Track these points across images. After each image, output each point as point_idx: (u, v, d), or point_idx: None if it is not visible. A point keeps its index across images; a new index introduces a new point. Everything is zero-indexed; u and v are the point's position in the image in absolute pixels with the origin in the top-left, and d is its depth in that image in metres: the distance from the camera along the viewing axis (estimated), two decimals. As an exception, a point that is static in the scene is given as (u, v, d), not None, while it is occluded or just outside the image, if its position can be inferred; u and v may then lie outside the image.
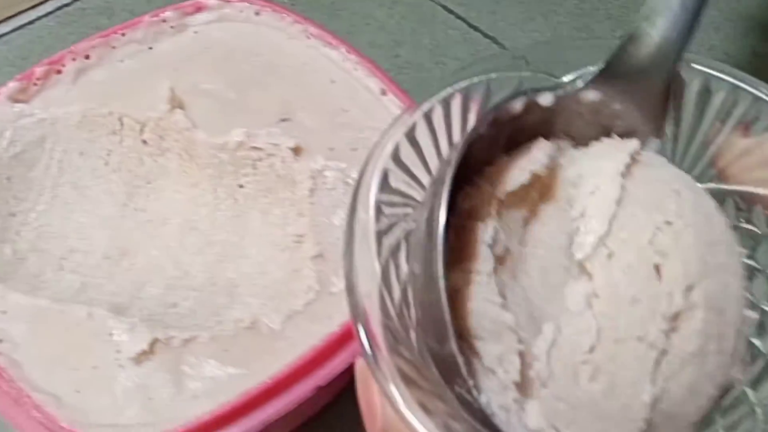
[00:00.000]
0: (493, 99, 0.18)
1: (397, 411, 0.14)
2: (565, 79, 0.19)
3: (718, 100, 0.17)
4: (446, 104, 0.18)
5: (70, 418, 0.21)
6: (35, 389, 0.22)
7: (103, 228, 0.28)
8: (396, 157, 0.17)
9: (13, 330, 0.23)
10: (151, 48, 0.31)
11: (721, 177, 0.18)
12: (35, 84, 0.29)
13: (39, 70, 0.29)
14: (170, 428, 0.21)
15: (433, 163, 0.18)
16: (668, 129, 0.18)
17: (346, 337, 0.23)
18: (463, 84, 0.18)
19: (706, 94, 0.17)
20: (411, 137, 0.18)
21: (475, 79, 0.19)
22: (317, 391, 0.22)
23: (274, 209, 0.28)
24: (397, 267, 0.17)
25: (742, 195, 0.18)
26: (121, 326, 0.23)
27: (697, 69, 0.17)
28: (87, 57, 0.30)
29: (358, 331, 0.15)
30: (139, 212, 0.28)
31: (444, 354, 0.16)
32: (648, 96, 0.18)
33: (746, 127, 0.17)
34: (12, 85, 0.28)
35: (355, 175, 0.27)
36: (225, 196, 0.28)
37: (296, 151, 0.28)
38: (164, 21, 0.31)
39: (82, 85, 0.30)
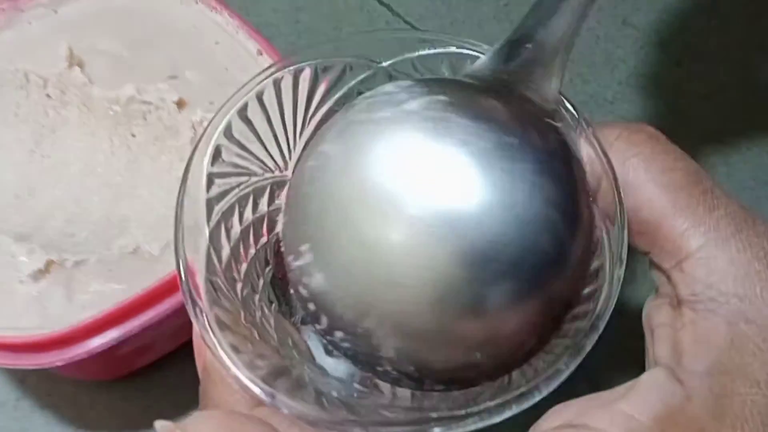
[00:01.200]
0: (320, 80, 0.22)
1: (212, 353, 0.18)
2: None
3: None
4: (277, 84, 0.22)
5: (-24, 322, 0.26)
6: (-53, 301, 0.26)
7: (14, 171, 0.32)
8: (228, 134, 0.21)
9: (-71, 253, 0.28)
10: (55, 11, 0.35)
11: None
12: (-52, 43, 0.32)
13: (-49, 30, 0.32)
14: (59, 330, 0.26)
15: (267, 137, 0.22)
16: None
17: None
18: (291, 65, 0.22)
19: None
20: (243, 115, 0.21)
21: (304, 63, 0.22)
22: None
23: (162, 156, 0.32)
24: (228, 229, 0.21)
25: None
26: (22, 250, 0.28)
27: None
28: (-4, 19, 0.34)
29: (181, 287, 0.19)
30: (45, 158, 0.33)
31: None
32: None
33: None
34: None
35: (230, 126, 0.32)
36: (119, 144, 0.33)
37: (180, 104, 0.32)
38: (64, -12, 0.35)
39: (-8, 44, 0.33)
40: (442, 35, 0.22)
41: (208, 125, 0.21)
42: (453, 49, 0.22)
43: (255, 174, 0.22)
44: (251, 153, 0.22)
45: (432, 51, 0.22)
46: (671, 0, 0.48)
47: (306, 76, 0.22)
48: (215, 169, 0.21)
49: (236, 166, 0.21)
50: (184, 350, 0.33)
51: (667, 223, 0.19)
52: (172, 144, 0.32)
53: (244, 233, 0.21)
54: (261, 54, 0.33)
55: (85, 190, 0.32)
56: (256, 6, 0.47)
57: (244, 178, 0.22)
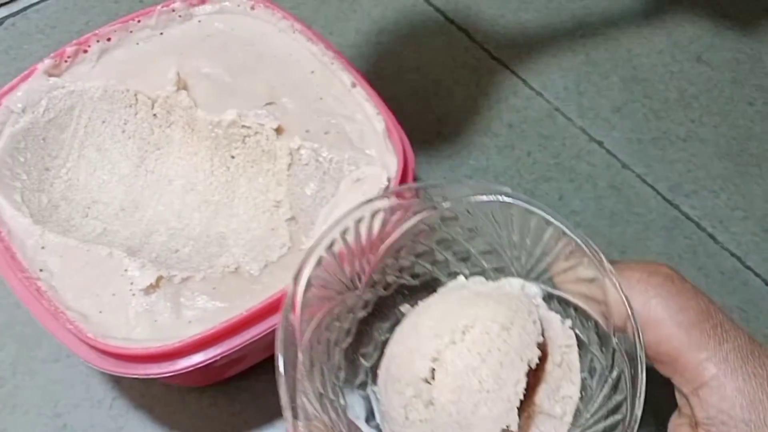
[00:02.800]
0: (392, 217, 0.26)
1: None
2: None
3: (548, 235, 0.25)
4: (357, 222, 0.25)
5: (94, 332, 0.28)
6: (68, 308, 0.29)
7: (120, 184, 0.34)
8: (329, 250, 0.25)
9: (50, 262, 0.30)
10: (161, 33, 0.37)
11: (553, 282, 0.26)
12: (66, 61, 0.35)
13: (69, 50, 0.35)
14: (170, 344, 0.28)
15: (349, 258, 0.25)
16: (515, 237, 0.27)
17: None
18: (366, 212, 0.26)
19: (542, 229, 0.25)
20: (343, 237, 0.25)
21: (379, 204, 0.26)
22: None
23: (259, 178, 0.34)
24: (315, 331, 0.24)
25: (564, 298, 0.26)
26: (134, 264, 0.30)
27: (536, 212, 0.25)
28: (109, 39, 0.36)
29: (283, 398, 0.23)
30: (149, 173, 0.35)
31: None
32: None
33: (569, 252, 0.25)
34: (47, 61, 0.34)
35: (325, 154, 0.33)
36: (219, 164, 0.35)
37: (278, 130, 0.34)
38: (173, 10, 0.37)
39: (104, 63, 0.35)
40: (491, 185, 0.26)
41: (320, 237, 0.25)
42: (503, 198, 0.26)
43: (336, 290, 0.25)
44: (339, 270, 0.25)
45: (485, 198, 0.26)
46: (745, 39, 0.48)
47: (380, 215, 0.26)
48: (313, 277, 0.24)
49: (324, 279, 0.25)
50: (271, 361, 0.35)
51: (684, 355, 0.23)
52: (269, 168, 0.34)
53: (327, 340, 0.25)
54: (355, 86, 0.35)
55: (186, 207, 0.34)
56: (338, 26, 0.49)
57: (330, 292, 0.25)
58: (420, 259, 0.28)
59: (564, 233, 0.25)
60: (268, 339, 0.29)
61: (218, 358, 0.28)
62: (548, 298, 0.26)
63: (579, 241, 0.25)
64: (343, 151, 0.33)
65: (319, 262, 0.24)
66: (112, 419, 0.35)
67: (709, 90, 0.46)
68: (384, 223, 0.26)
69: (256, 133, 0.34)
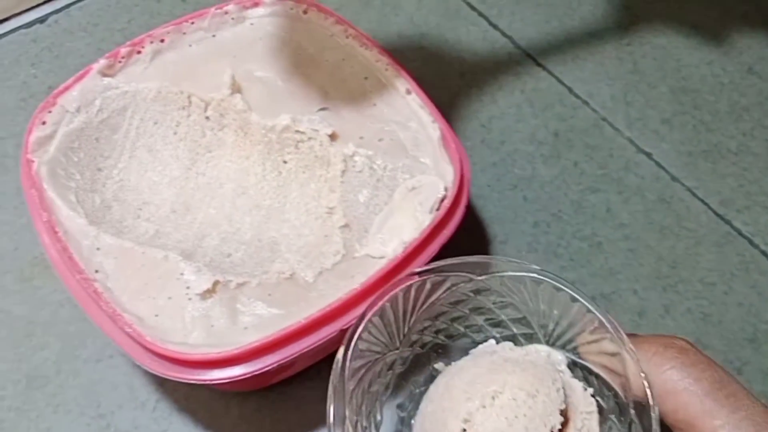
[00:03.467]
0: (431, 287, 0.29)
1: None
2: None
3: (574, 310, 0.28)
4: (407, 290, 0.28)
5: (151, 335, 0.28)
6: (124, 311, 0.28)
7: (171, 186, 0.34)
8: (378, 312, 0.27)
9: (106, 264, 0.30)
10: (214, 36, 0.36)
11: (578, 352, 0.28)
12: (120, 62, 0.35)
13: (123, 50, 0.35)
14: (227, 350, 0.27)
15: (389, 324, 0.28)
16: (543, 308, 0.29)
17: (365, 292, 0.29)
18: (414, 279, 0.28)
19: (569, 305, 0.28)
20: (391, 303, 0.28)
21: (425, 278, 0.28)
22: (340, 332, 0.29)
23: (311, 183, 0.34)
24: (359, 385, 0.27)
25: (587, 367, 0.28)
26: (190, 268, 0.29)
27: (564, 290, 0.28)
28: (162, 41, 0.35)
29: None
30: (200, 176, 0.35)
31: None
32: None
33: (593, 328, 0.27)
34: (102, 62, 0.34)
35: (379, 161, 0.33)
36: (271, 169, 0.34)
37: (332, 136, 0.34)
38: (226, 13, 0.37)
39: (157, 64, 0.35)
40: (523, 264, 0.28)
41: (369, 305, 0.27)
42: (534, 275, 0.28)
43: (379, 351, 0.28)
44: (383, 333, 0.28)
45: (517, 274, 0.28)
46: (798, 50, 0.47)
47: (426, 286, 0.28)
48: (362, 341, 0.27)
49: (371, 342, 0.27)
50: (315, 367, 0.35)
51: (700, 422, 0.25)
52: (322, 173, 0.34)
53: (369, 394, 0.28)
54: (410, 93, 0.35)
55: (237, 210, 0.34)
56: (381, 30, 0.48)
57: (373, 353, 0.28)
58: (455, 323, 0.30)
59: (589, 310, 0.27)
60: (318, 347, 0.29)
61: (275, 365, 0.28)
62: (572, 365, 0.28)
63: (603, 319, 0.27)
64: (397, 159, 0.33)
65: (366, 328, 0.27)
66: (155, 422, 0.35)
67: (761, 102, 0.45)
68: (426, 293, 0.28)
69: (310, 138, 0.34)
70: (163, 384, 0.35)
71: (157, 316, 0.29)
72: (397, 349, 0.29)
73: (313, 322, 0.28)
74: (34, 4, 0.46)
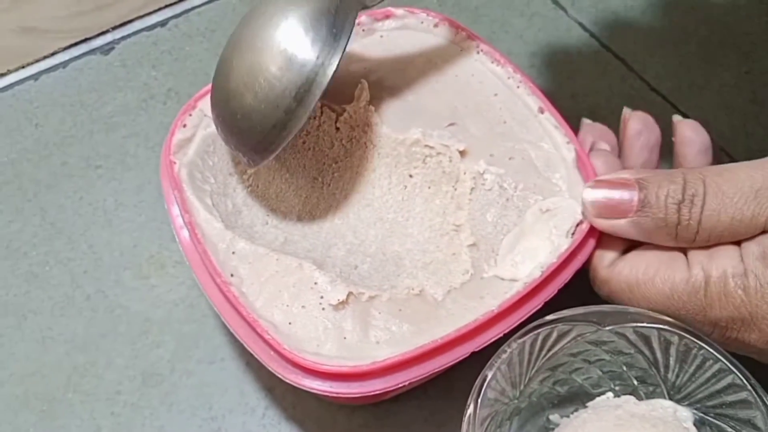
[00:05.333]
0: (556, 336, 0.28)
1: None
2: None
3: (713, 369, 0.27)
4: (534, 338, 0.28)
5: (287, 343, 0.28)
6: (259, 317, 0.28)
7: (296, 196, 0.34)
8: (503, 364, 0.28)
9: (241, 269, 0.30)
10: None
11: (704, 406, 0.28)
12: (254, 68, 0.35)
13: (258, 57, 0.35)
14: (361, 364, 0.27)
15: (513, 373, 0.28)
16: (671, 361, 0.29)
17: (501, 315, 0.28)
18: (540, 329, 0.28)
19: (707, 362, 0.27)
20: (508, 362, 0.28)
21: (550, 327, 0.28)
22: (471, 355, 0.28)
23: (436, 199, 0.34)
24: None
25: (716, 424, 0.27)
26: (324, 279, 0.29)
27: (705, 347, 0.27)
28: (294, 49, 0.36)
29: None
30: (325, 186, 0.35)
31: None
32: None
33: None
34: (238, 68, 0.34)
35: (510, 181, 0.32)
36: (397, 182, 0.34)
37: (463, 153, 0.33)
38: (358, 24, 0.37)
39: (289, 72, 0.35)
40: (651, 313, 0.28)
41: (496, 356, 0.27)
42: (663, 326, 0.28)
43: (502, 401, 0.28)
44: (508, 382, 0.28)
45: (646, 325, 0.28)
46: None
47: (552, 336, 0.28)
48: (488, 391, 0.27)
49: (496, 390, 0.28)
50: (423, 387, 0.34)
51: None
52: (448, 190, 0.34)
53: None
54: (543, 112, 0.34)
55: (362, 222, 0.34)
56: (499, 44, 0.48)
57: (499, 402, 0.28)
58: (573, 374, 0.30)
59: (731, 371, 0.26)
60: (449, 368, 0.28)
61: (407, 383, 0.28)
62: (699, 423, 0.27)
63: (753, 394, 0.26)
64: (528, 179, 0.32)
65: (495, 376, 0.27)
66: (264, 428, 0.35)
67: None
68: (552, 342, 0.28)
69: (439, 153, 0.34)
70: (272, 391, 0.36)
71: (290, 324, 0.29)
72: (517, 399, 0.29)
73: (448, 342, 0.28)
74: (156, 7, 0.48)
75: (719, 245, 0.28)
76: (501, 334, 0.28)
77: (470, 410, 0.26)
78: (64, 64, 0.46)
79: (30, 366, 0.36)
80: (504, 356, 0.27)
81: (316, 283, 0.29)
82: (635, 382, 0.29)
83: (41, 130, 0.43)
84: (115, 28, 0.47)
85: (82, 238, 0.40)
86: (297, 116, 0.28)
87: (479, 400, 0.26)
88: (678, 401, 0.28)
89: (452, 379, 0.34)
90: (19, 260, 0.39)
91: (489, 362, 0.27)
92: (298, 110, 0.28)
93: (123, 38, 0.47)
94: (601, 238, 0.30)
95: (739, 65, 0.47)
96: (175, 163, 0.31)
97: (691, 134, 0.32)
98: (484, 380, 0.27)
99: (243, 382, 0.36)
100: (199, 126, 0.33)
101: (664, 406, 0.28)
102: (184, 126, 0.32)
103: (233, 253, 0.30)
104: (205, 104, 0.33)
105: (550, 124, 0.33)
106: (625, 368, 0.29)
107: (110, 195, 0.41)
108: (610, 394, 0.30)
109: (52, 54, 0.46)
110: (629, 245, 0.30)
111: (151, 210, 0.40)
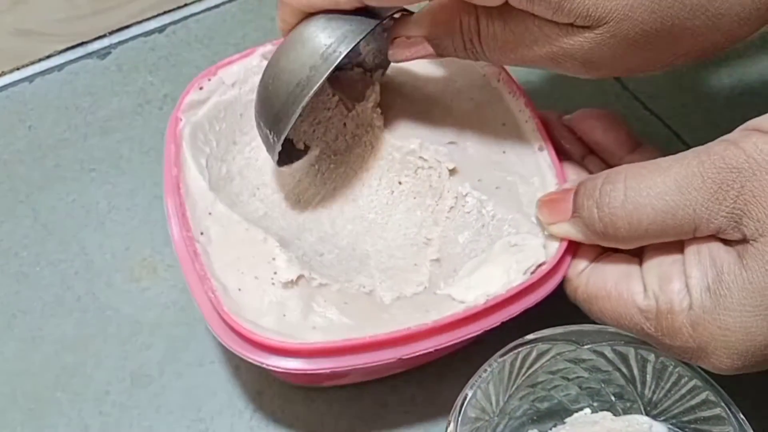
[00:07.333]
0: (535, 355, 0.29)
1: None
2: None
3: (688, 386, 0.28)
4: (515, 357, 0.29)
5: (229, 306, 0.29)
6: (213, 276, 0.30)
7: (291, 176, 0.36)
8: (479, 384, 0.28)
9: (212, 229, 0.31)
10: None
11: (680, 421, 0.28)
12: (282, 51, 0.37)
13: (288, 41, 0.37)
14: (290, 342, 0.28)
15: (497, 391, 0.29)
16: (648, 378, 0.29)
17: (433, 330, 0.28)
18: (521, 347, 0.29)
19: (679, 382, 0.28)
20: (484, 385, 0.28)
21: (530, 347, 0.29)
22: (398, 361, 0.29)
23: (417, 211, 0.34)
24: None
25: None
26: (283, 257, 0.30)
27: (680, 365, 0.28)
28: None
29: None
30: (320, 174, 0.36)
31: None
32: None
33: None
34: (268, 46, 0.36)
35: (489, 208, 0.33)
36: (385, 186, 0.35)
37: (452, 171, 0.34)
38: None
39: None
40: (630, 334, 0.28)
41: (477, 375, 0.28)
42: (640, 345, 0.28)
43: (482, 418, 0.28)
44: (488, 400, 0.29)
45: (624, 343, 0.28)
46: None
47: (532, 354, 0.29)
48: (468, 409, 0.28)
49: (476, 407, 0.28)
50: (412, 394, 0.34)
51: None
52: (430, 204, 0.34)
53: None
54: (542, 150, 0.34)
55: (342, 215, 0.35)
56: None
57: (479, 420, 0.28)
58: (552, 391, 0.30)
59: (705, 389, 0.26)
60: (374, 368, 0.29)
61: (328, 371, 0.28)
62: None
63: (726, 410, 0.26)
64: (508, 211, 0.32)
65: (475, 395, 0.27)
66: (252, 431, 0.35)
67: None
68: (531, 361, 0.29)
69: (430, 167, 0.34)
70: (260, 394, 0.36)
71: (240, 290, 0.30)
72: (497, 416, 0.29)
73: (375, 342, 0.28)
74: (154, 13, 0.48)
75: (663, 253, 0.27)
76: (432, 349, 0.29)
77: (450, 428, 0.26)
78: (59, 67, 0.46)
79: (18, 365, 0.36)
80: (484, 375, 0.28)
81: (273, 259, 0.31)
82: (612, 398, 0.30)
83: (35, 132, 0.43)
84: (112, 32, 0.47)
85: (73, 239, 0.39)
86: (320, 72, 0.29)
87: (459, 419, 0.27)
88: (654, 417, 0.29)
89: (441, 388, 0.34)
90: (9, 260, 0.39)
91: (469, 381, 0.28)
92: (322, 67, 0.29)
93: (120, 43, 0.47)
94: (576, 247, 0.30)
95: (732, 86, 0.45)
96: (180, 119, 0.33)
97: (588, 122, 0.34)
98: (465, 399, 0.27)
99: (232, 385, 0.36)
100: (215, 92, 0.35)
101: (640, 421, 0.28)
102: (201, 88, 0.35)
103: (210, 213, 0.32)
104: (226, 73, 0.35)
105: (545, 163, 0.33)
106: (603, 385, 0.30)
107: (103, 198, 0.41)
108: (587, 410, 0.30)
109: (48, 57, 0.46)
110: (601, 252, 0.30)
111: (145, 214, 0.40)
